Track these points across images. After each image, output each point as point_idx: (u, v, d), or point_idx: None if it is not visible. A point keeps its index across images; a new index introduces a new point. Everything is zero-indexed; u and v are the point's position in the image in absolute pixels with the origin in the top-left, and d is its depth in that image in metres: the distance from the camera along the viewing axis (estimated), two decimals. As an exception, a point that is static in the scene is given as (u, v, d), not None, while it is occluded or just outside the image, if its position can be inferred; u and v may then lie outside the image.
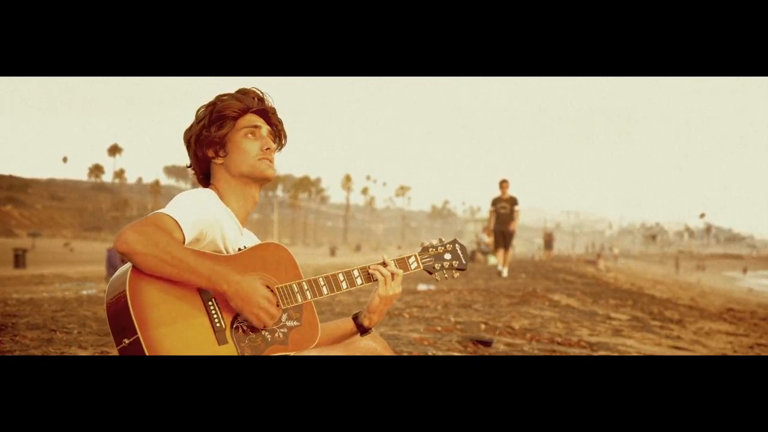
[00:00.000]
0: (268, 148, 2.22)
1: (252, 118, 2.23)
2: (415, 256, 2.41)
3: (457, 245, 2.48)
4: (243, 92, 2.23)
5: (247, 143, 2.20)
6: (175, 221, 1.97)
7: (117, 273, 2.00)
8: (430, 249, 2.44)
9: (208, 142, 2.18)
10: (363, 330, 2.34)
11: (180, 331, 1.95)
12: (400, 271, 2.32)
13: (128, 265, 1.96)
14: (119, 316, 1.92)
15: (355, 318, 2.36)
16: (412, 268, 2.39)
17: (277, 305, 2.13)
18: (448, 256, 2.45)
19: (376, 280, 2.30)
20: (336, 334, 2.33)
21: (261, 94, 2.25)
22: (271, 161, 2.23)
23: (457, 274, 2.47)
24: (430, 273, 2.42)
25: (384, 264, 2.32)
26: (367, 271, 2.30)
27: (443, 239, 2.48)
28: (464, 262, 2.47)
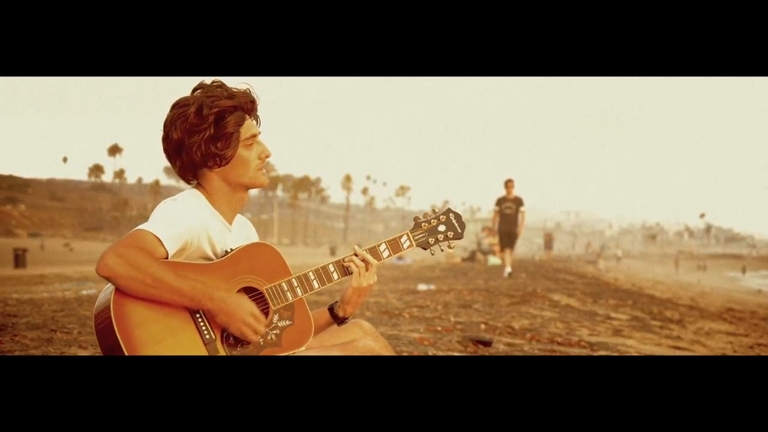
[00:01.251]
0: (266, 155, 2.19)
1: (248, 125, 2.16)
2: (407, 234, 2.35)
3: (451, 214, 2.40)
4: (235, 96, 2.15)
5: (248, 154, 2.15)
6: (157, 238, 1.95)
7: (102, 295, 1.99)
8: (423, 224, 2.37)
9: (213, 156, 2.11)
10: (339, 321, 2.32)
11: (170, 349, 1.93)
12: (374, 260, 2.27)
13: (112, 287, 1.93)
14: (107, 339, 1.91)
15: (331, 309, 2.34)
16: (405, 246, 2.33)
17: (267, 312, 2.12)
18: (442, 227, 2.38)
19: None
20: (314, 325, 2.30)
21: (252, 96, 2.18)
22: (264, 167, 2.21)
23: (453, 245, 2.40)
24: (425, 248, 2.36)
25: (357, 255, 2.27)
26: (342, 264, 2.27)
27: (436, 210, 2.41)
28: (459, 231, 2.39)
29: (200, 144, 2.09)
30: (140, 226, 1.98)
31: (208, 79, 2.19)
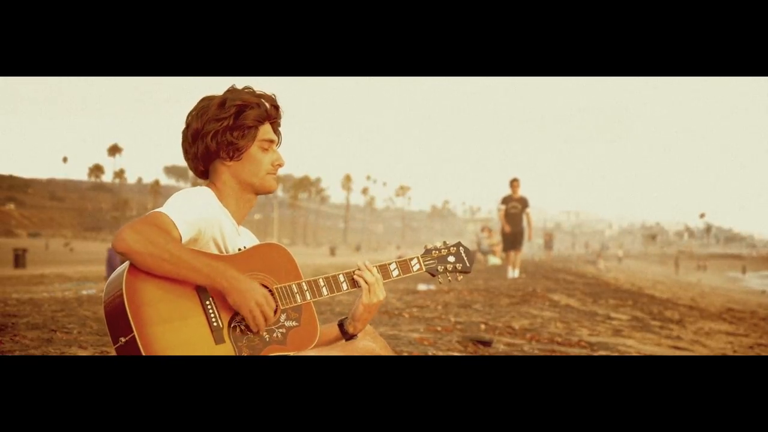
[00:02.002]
0: (279, 164, 2.23)
1: (267, 129, 2.21)
2: (418, 258, 2.40)
3: (461, 248, 2.46)
4: (261, 97, 2.21)
5: (261, 156, 2.20)
6: (172, 221, 1.98)
7: (114, 273, 2.01)
8: (434, 251, 2.42)
9: (227, 145, 2.15)
10: (348, 336, 2.32)
11: (176, 330, 1.95)
12: (380, 277, 2.29)
13: (125, 264, 1.96)
14: (116, 315, 1.93)
15: (341, 325, 2.34)
16: (414, 269, 2.37)
17: (276, 308, 2.13)
18: (451, 258, 2.43)
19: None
20: (322, 339, 2.30)
21: (277, 103, 2.24)
22: (276, 174, 2.24)
23: (460, 277, 2.45)
24: (433, 275, 2.41)
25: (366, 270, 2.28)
26: (352, 276, 2.28)
27: (447, 242, 2.47)
28: (468, 265, 2.45)
29: (218, 131, 2.15)
30: (156, 209, 2.01)
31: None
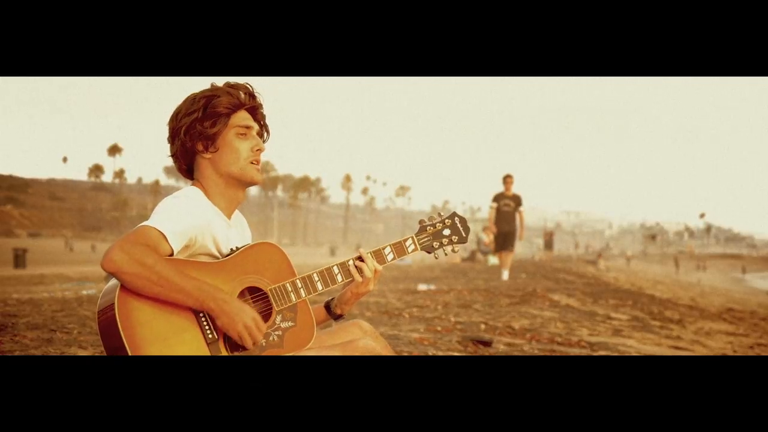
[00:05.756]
0: (258, 149, 2.19)
1: (243, 116, 2.19)
2: (412, 238, 2.36)
3: (456, 218, 2.41)
4: (234, 87, 2.19)
5: (238, 143, 2.17)
6: (162, 234, 1.96)
7: (107, 287, 1.98)
8: (428, 228, 2.38)
9: (199, 136, 2.14)
10: (335, 317, 2.35)
11: (172, 347, 1.93)
12: (380, 268, 2.28)
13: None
14: (110, 335, 1.91)
15: (327, 308, 2.35)
16: (410, 250, 2.34)
17: (270, 313, 2.12)
18: (447, 231, 2.39)
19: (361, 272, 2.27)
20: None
21: (252, 90, 2.22)
22: (258, 163, 2.21)
23: (458, 248, 2.42)
24: (429, 252, 2.38)
25: (361, 258, 2.27)
26: (352, 264, 2.27)
27: (442, 214, 2.43)
28: (464, 235, 2.41)
29: (190, 124, 2.14)
30: (145, 223, 1.98)
31: (214, 82, 2.21)
